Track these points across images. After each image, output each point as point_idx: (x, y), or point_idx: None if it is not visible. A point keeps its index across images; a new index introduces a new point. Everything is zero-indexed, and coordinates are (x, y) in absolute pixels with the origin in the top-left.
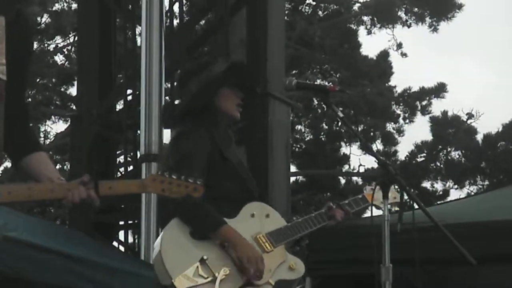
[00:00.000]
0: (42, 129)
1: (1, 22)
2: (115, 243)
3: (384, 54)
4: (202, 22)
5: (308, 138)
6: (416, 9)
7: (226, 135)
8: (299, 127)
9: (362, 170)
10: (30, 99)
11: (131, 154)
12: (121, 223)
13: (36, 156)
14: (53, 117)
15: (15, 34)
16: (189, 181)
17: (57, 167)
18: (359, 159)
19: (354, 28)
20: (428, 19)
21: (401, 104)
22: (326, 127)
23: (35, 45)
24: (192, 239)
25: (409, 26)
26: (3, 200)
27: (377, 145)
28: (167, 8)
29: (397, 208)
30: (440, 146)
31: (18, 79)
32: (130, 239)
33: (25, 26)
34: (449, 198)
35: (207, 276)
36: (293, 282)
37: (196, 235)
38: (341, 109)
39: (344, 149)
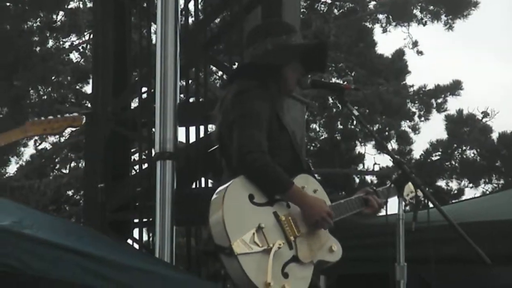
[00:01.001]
0: None
1: None
2: (129, 241)
3: (400, 53)
4: (217, 20)
5: (323, 137)
6: (431, 7)
7: (279, 104)
8: (314, 125)
9: (377, 169)
10: (45, 97)
11: (146, 152)
12: (136, 221)
13: None
14: (68, 114)
15: None
16: (65, 116)
17: (72, 164)
18: (374, 158)
19: (370, 26)
20: (443, 17)
21: (416, 102)
22: (341, 126)
23: (50, 43)
24: (251, 203)
25: (424, 24)
26: None
27: (392, 144)
28: (182, 6)
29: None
30: (455, 145)
31: None
32: (145, 237)
33: None
34: (464, 197)
35: (261, 245)
36: (329, 264)
37: (256, 198)
38: (356, 107)
39: (359, 148)
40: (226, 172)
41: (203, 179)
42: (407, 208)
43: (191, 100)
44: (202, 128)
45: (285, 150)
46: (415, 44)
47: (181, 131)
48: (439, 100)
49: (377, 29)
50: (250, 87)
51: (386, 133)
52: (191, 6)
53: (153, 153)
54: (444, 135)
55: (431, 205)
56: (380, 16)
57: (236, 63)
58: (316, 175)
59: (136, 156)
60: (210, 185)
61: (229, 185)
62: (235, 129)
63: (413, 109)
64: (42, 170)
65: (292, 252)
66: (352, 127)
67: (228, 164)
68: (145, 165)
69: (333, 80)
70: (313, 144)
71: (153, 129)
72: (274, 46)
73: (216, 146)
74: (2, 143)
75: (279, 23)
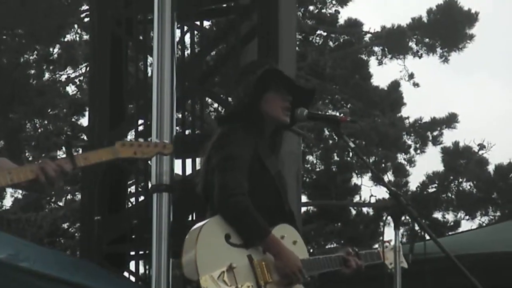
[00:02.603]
0: None
1: None
2: (126, 274)
3: (395, 85)
4: (213, 53)
5: (319, 169)
6: (427, 39)
7: (271, 142)
8: (310, 157)
9: (373, 200)
10: (41, 129)
11: (142, 184)
12: (132, 253)
13: None
14: (157, 140)
15: None
16: (156, 141)
17: (68, 197)
18: (370, 190)
19: (365, 58)
20: (439, 50)
21: (412, 134)
22: (337, 157)
23: (47, 75)
24: (226, 243)
25: (420, 57)
26: None
27: (389, 176)
28: (178, 39)
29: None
30: (451, 177)
31: None
32: (141, 270)
33: None
34: (460, 229)
35: (230, 284)
36: None
37: (232, 238)
38: (352, 139)
39: (355, 180)
40: (209, 213)
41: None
42: (404, 240)
43: (187, 132)
44: (198, 160)
45: (267, 191)
46: (411, 76)
47: (178, 163)
48: (435, 133)
49: (373, 61)
50: (231, 131)
51: (383, 165)
52: (187, 38)
53: (150, 185)
54: (440, 167)
55: (427, 237)
56: (376, 49)
57: (232, 96)
58: (295, 226)
59: (132, 189)
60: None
61: (205, 222)
62: (217, 172)
63: (409, 142)
64: (38, 203)
65: None
66: (349, 159)
67: (211, 206)
68: (142, 198)
69: (329, 112)
70: (309, 176)
71: (150, 162)
72: (244, 90)
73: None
74: (92, 162)
75: (254, 63)
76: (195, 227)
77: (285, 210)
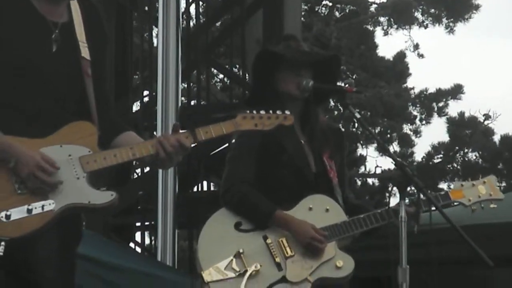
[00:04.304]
0: None
1: (76, 6)
2: (132, 245)
3: (401, 55)
4: (219, 23)
5: None
6: (432, 10)
7: (302, 118)
8: None
9: (378, 171)
10: None
11: None
12: (138, 224)
13: (125, 135)
14: (279, 112)
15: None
16: (277, 112)
17: None
18: (375, 161)
19: (371, 29)
20: (444, 20)
21: (418, 105)
22: (343, 128)
23: None
24: (236, 231)
25: (425, 27)
26: (111, 163)
27: (394, 147)
28: (184, 9)
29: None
30: (457, 147)
31: (97, 63)
32: (147, 241)
33: (94, 10)
34: None
35: (239, 269)
36: (341, 279)
37: (243, 225)
38: (357, 110)
39: (361, 151)
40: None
41: (205, 183)
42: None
43: (192, 103)
44: None
45: (285, 172)
46: (416, 47)
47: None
48: (441, 104)
49: (379, 32)
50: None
51: (388, 135)
52: (192, 9)
53: None
54: (446, 138)
55: (433, 207)
56: (382, 19)
57: (237, 66)
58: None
59: None
60: (212, 188)
61: (212, 216)
62: (226, 161)
63: (415, 113)
64: None
65: (282, 273)
66: (354, 129)
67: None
68: (147, 169)
69: None
70: None
71: (155, 132)
72: (255, 71)
73: (219, 149)
74: (214, 135)
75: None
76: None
77: (307, 179)
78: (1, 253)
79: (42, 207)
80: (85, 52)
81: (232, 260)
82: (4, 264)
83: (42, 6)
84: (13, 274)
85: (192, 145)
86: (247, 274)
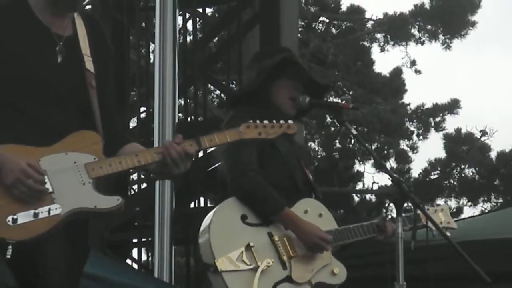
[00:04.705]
0: None
1: (80, 21)
2: (128, 261)
3: (397, 71)
4: (215, 39)
5: (321, 156)
6: (429, 26)
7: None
8: (312, 144)
9: (375, 187)
10: None
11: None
12: (135, 240)
13: (129, 146)
14: (282, 121)
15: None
16: (280, 122)
17: None
18: (372, 177)
19: (367, 45)
20: (441, 36)
21: (415, 121)
22: (340, 144)
23: None
24: (242, 223)
25: (422, 44)
26: (117, 169)
27: (391, 163)
28: (181, 25)
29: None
30: (453, 163)
31: (102, 76)
32: (144, 257)
33: (97, 26)
34: (462, 216)
35: (249, 263)
36: (332, 286)
37: (249, 218)
38: (354, 126)
39: (358, 167)
40: (220, 195)
41: (202, 198)
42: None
43: (189, 119)
44: None
45: (278, 170)
46: (413, 63)
47: None
48: (437, 119)
49: (375, 48)
50: (240, 112)
51: (385, 151)
52: (189, 25)
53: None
54: (442, 154)
55: (430, 224)
56: (378, 35)
57: (234, 82)
58: (319, 196)
59: (135, 176)
60: (209, 204)
61: (219, 206)
62: (227, 152)
63: (411, 128)
64: None
65: (286, 272)
66: (351, 145)
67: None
68: (144, 185)
69: (331, 99)
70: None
71: None
72: (256, 73)
73: (216, 165)
74: (218, 143)
75: (269, 48)
76: (210, 212)
77: (296, 181)
78: (9, 256)
79: (49, 211)
80: (89, 65)
81: (242, 252)
82: (11, 268)
83: (47, 19)
84: (20, 278)
85: (196, 152)
86: (260, 269)
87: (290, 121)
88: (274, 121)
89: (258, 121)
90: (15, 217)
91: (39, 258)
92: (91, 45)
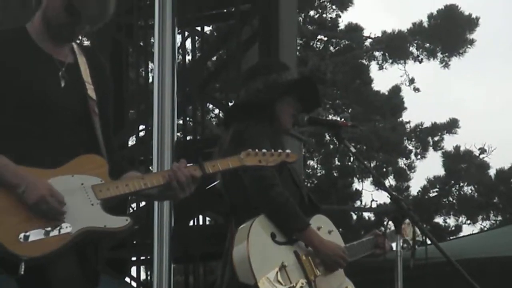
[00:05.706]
0: None
1: (80, 51)
2: (127, 279)
3: (396, 89)
4: (214, 58)
5: (320, 174)
6: (427, 44)
7: (278, 141)
8: (311, 162)
9: (374, 205)
10: None
11: None
12: (134, 259)
13: (130, 173)
14: (280, 150)
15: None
16: (279, 151)
17: None
18: (371, 195)
19: (366, 63)
20: (439, 54)
21: (413, 139)
22: (338, 162)
23: None
24: (273, 242)
25: (420, 62)
26: (124, 191)
27: (390, 181)
28: (179, 44)
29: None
30: (452, 181)
31: (101, 105)
32: (143, 275)
33: (96, 55)
34: (461, 234)
35: (284, 283)
36: None
37: (277, 236)
38: (353, 144)
39: (357, 185)
40: (242, 214)
41: (200, 217)
42: (405, 245)
43: (188, 138)
44: None
45: (287, 185)
46: (411, 81)
47: None
48: (436, 138)
49: (374, 66)
50: (248, 126)
51: (384, 169)
52: (188, 44)
53: None
54: (441, 172)
55: (429, 241)
56: (377, 53)
57: (233, 101)
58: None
59: None
60: (207, 222)
61: (252, 222)
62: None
63: (410, 147)
64: None
65: None
66: (349, 163)
67: (244, 206)
68: (143, 203)
69: (330, 117)
70: (311, 181)
71: (151, 167)
72: (264, 85)
73: (214, 183)
74: (220, 169)
75: (271, 62)
76: (241, 227)
77: (303, 197)
78: (22, 273)
79: (59, 230)
80: (91, 92)
81: (277, 272)
82: (24, 285)
83: (48, 48)
84: None
85: (200, 176)
86: None
87: (288, 151)
88: (273, 150)
89: (257, 150)
90: (27, 234)
91: (50, 273)
92: (91, 75)
